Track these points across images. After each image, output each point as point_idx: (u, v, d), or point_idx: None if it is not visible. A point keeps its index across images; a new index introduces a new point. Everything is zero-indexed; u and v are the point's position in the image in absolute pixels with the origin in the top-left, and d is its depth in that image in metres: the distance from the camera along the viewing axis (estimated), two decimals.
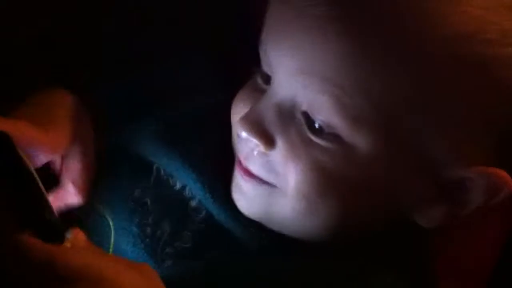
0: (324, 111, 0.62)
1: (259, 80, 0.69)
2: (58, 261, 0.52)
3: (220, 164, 0.70)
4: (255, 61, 0.73)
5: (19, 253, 0.52)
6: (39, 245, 0.53)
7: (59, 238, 0.56)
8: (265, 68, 0.68)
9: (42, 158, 0.66)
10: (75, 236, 0.58)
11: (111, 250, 0.69)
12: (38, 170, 0.63)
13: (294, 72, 0.63)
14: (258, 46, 0.68)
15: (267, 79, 0.68)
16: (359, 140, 0.62)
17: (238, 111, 0.68)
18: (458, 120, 0.62)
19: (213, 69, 0.79)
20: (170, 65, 0.78)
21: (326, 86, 0.62)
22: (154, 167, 0.73)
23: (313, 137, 0.63)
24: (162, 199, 0.71)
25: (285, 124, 0.65)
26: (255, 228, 0.68)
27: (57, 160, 0.70)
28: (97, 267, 0.53)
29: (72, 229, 0.58)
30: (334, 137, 0.63)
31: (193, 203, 0.71)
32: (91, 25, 0.79)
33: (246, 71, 0.76)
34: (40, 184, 0.58)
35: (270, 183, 0.66)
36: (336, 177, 0.63)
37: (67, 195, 0.70)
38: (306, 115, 0.64)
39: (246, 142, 0.66)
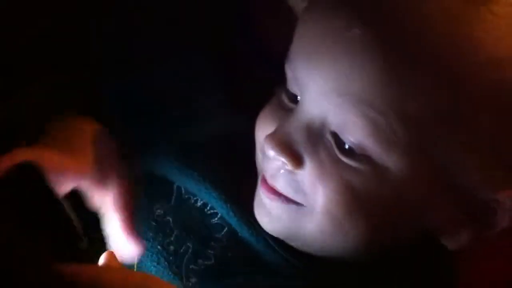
0: (356, 133, 0.62)
1: (284, 99, 0.69)
2: (104, 281, 0.53)
3: (240, 182, 0.71)
4: (254, 60, 0.75)
5: (65, 280, 0.52)
6: (82, 268, 0.53)
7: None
8: (292, 86, 0.68)
9: (69, 184, 0.66)
10: (109, 258, 0.59)
11: (135, 268, 0.69)
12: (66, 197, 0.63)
13: (326, 92, 0.63)
14: (284, 64, 0.68)
15: (294, 98, 0.68)
16: (391, 161, 0.63)
17: (264, 129, 0.68)
18: (491, 144, 0.63)
19: (213, 69, 0.79)
20: (170, 65, 0.78)
21: (360, 108, 0.62)
22: (175, 186, 0.74)
23: (342, 157, 0.64)
24: (184, 217, 0.72)
25: (314, 144, 0.65)
26: (279, 244, 0.69)
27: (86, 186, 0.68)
28: (145, 282, 0.54)
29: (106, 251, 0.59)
30: (365, 158, 0.63)
31: (215, 220, 0.72)
32: (91, 25, 0.78)
33: (246, 71, 0.77)
34: (71, 214, 0.59)
35: (296, 202, 0.66)
36: (365, 198, 0.64)
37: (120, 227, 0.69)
38: (335, 135, 0.64)
39: (272, 161, 0.66)
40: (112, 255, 0.60)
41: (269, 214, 0.68)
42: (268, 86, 0.72)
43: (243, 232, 0.70)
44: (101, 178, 0.67)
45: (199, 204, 0.73)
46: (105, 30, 0.78)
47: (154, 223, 0.72)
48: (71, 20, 0.78)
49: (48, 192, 0.60)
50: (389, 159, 0.63)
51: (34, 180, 0.59)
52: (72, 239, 0.58)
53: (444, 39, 0.61)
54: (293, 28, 0.73)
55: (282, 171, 0.66)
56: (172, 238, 0.71)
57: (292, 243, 0.69)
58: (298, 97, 0.67)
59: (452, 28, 0.61)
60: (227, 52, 0.80)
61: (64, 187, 0.65)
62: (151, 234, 0.71)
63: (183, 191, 0.73)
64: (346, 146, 0.63)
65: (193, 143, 0.74)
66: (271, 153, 0.66)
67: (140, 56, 0.78)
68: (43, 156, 0.63)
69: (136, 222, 0.70)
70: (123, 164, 0.69)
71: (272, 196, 0.67)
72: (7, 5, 0.75)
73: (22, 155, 0.61)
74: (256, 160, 0.70)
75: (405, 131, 0.62)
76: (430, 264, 0.69)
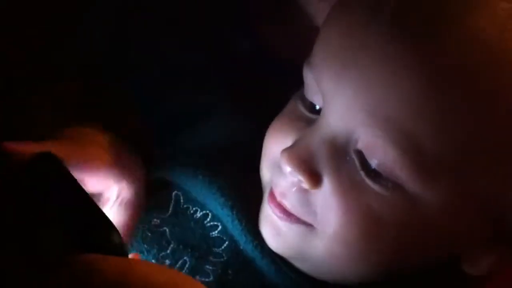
0: (385, 158, 0.57)
1: (302, 108, 0.64)
2: (134, 273, 0.51)
3: (247, 191, 0.66)
4: (256, 62, 0.73)
5: (93, 269, 0.50)
6: (111, 259, 0.51)
7: None
8: (312, 95, 0.62)
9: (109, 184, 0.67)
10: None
11: None
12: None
13: (354, 109, 0.58)
14: (302, 71, 0.63)
15: (312, 108, 0.63)
16: (422, 190, 0.57)
17: (278, 142, 0.63)
18: None
19: (214, 69, 0.76)
20: (170, 65, 0.76)
21: (391, 133, 0.56)
22: (173, 194, 0.69)
23: (367, 179, 0.58)
24: (181, 229, 0.67)
25: (336, 162, 0.59)
26: (283, 263, 0.64)
27: (111, 196, 0.68)
28: (174, 279, 0.52)
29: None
30: (392, 182, 0.58)
31: (214, 234, 0.67)
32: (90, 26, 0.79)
33: (248, 72, 0.74)
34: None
35: (305, 222, 0.61)
36: (386, 225, 0.58)
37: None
38: (361, 154, 0.58)
39: (286, 177, 0.61)
40: (137, 255, 0.60)
41: (276, 231, 0.63)
42: (272, 89, 0.69)
43: (247, 244, 0.65)
44: (116, 177, 0.67)
45: (198, 215, 0.68)
46: (105, 30, 0.78)
47: (149, 234, 0.67)
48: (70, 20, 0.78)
49: (73, 182, 0.58)
50: (421, 188, 0.57)
51: (56, 169, 0.58)
52: (104, 230, 0.55)
53: (495, 59, 0.56)
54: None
55: (294, 188, 0.61)
56: (168, 251, 0.66)
57: (298, 264, 0.64)
58: (317, 107, 0.62)
59: (502, 48, 0.56)
60: (228, 53, 0.77)
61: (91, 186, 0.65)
62: (145, 245, 0.67)
63: (181, 200, 0.69)
64: (372, 167, 0.58)
65: (197, 147, 0.70)
66: (288, 169, 0.60)
67: (140, 56, 0.76)
68: (60, 150, 0.62)
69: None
70: (136, 168, 0.69)
71: (280, 215, 0.62)
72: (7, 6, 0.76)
73: (39, 147, 0.60)
74: (261, 172, 0.66)
75: (442, 158, 0.56)
76: None
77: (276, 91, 0.68)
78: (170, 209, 0.69)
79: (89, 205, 0.56)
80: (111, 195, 0.67)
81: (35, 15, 0.77)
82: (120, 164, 0.67)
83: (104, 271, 0.50)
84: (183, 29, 0.76)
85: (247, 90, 0.74)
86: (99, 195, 0.67)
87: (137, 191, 0.68)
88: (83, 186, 0.60)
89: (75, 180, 0.58)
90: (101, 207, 0.64)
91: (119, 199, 0.68)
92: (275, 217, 0.62)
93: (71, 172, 0.59)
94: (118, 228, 0.57)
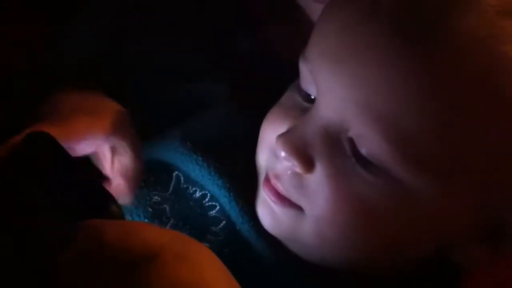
0: (375, 148, 0.59)
1: (298, 97, 0.66)
2: (136, 233, 0.52)
3: (246, 174, 0.68)
4: (256, 59, 0.74)
5: (93, 233, 0.51)
6: (110, 223, 0.52)
7: None
8: (307, 86, 0.65)
9: (98, 143, 0.67)
10: None
11: None
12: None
13: (346, 99, 0.60)
14: (299, 61, 0.65)
15: (308, 97, 0.65)
16: (410, 179, 0.59)
17: (274, 128, 0.65)
18: None
19: (213, 68, 0.78)
20: (170, 64, 0.78)
21: (379, 122, 0.58)
22: (174, 174, 0.71)
23: (358, 167, 0.60)
24: (181, 207, 0.70)
25: (329, 148, 0.61)
26: (277, 243, 0.66)
27: (105, 152, 0.68)
28: (176, 242, 0.53)
29: None
30: (383, 171, 0.59)
31: (212, 213, 0.69)
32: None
33: (247, 68, 0.76)
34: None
35: (296, 206, 0.63)
36: (374, 212, 0.60)
37: (117, 191, 0.68)
38: (352, 142, 0.60)
39: (281, 161, 0.64)
40: None
41: (271, 213, 0.65)
42: (271, 87, 0.70)
43: (243, 224, 0.67)
44: (103, 135, 0.67)
45: (197, 195, 0.70)
46: (105, 29, 0.79)
47: (150, 209, 0.70)
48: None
49: (66, 157, 0.58)
50: (408, 177, 0.59)
51: (46, 147, 0.58)
52: (102, 201, 0.56)
53: (484, 57, 0.57)
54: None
55: (288, 172, 0.63)
56: (167, 227, 0.69)
57: (290, 245, 0.66)
58: (312, 96, 0.65)
59: (490, 46, 0.57)
60: (228, 53, 0.79)
61: (82, 150, 0.66)
62: (146, 220, 0.69)
63: (182, 180, 0.71)
64: (363, 155, 0.60)
65: (198, 130, 0.72)
66: (282, 154, 0.62)
67: (139, 56, 0.78)
68: (66, 124, 0.64)
69: (130, 206, 0.70)
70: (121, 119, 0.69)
71: (274, 199, 0.64)
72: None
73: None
74: (257, 157, 0.68)
75: (434, 152, 0.58)
76: (438, 283, 0.66)
77: (275, 89, 0.70)
78: (171, 188, 0.71)
79: (86, 179, 0.57)
80: (105, 151, 0.68)
81: (31, 15, 0.79)
82: (104, 121, 0.68)
83: (105, 233, 0.51)
84: (183, 29, 0.78)
85: (246, 87, 0.76)
86: (95, 154, 0.68)
87: (130, 140, 0.69)
88: (75, 155, 0.63)
89: (70, 155, 0.59)
90: (100, 165, 0.67)
91: (115, 152, 0.68)
92: (269, 200, 0.65)
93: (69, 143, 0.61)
94: (124, 176, 0.60)
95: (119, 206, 0.56)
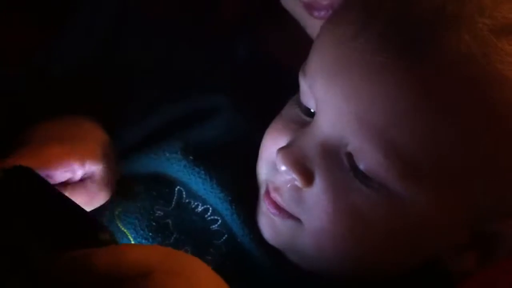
0: (373, 164, 0.60)
1: (298, 111, 0.67)
2: (124, 258, 0.51)
3: (246, 186, 0.69)
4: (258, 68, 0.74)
5: (81, 264, 0.50)
6: (99, 251, 0.51)
7: None
8: (307, 100, 0.65)
9: (77, 171, 0.68)
10: None
11: None
12: None
13: (344, 116, 0.61)
14: (298, 76, 0.66)
15: (308, 111, 0.66)
16: (406, 192, 0.60)
17: (275, 141, 0.66)
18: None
19: (213, 74, 0.78)
20: (170, 70, 0.78)
21: (376, 137, 0.59)
22: (176, 189, 0.72)
23: (355, 180, 0.61)
24: (184, 221, 0.70)
25: (328, 163, 0.63)
26: (279, 255, 0.68)
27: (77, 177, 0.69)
28: (167, 258, 0.52)
29: None
30: (380, 185, 0.61)
31: (214, 227, 0.70)
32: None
33: (247, 74, 0.77)
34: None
35: (296, 218, 0.65)
36: (372, 224, 0.62)
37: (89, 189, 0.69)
38: (350, 156, 0.62)
39: (281, 174, 0.64)
40: None
41: (271, 225, 0.66)
42: (272, 93, 0.71)
43: (245, 237, 0.69)
44: (77, 160, 0.68)
45: (199, 209, 0.71)
46: (100, 35, 0.79)
47: (154, 223, 0.70)
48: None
49: (48, 189, 0.58)
50: (404, 191, 0.60)
51: (27, 181, 0.58)
52: (90, 230, 0.55)
53: (478, 76, 0.59)
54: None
55: (288, 185, 0.64)
56: (171, 240, 0.69)
57: (290, 256, 0.67)
58: (312, 110, 0.65)
59: (490, 69, 0.59)
60: (229, 60, 0.80)
61: (60, 177, 0.66)
62: (150, 233, 0.70)
63: (184, 195, 0.72)
64: (361, 169, 0.61)
65: (199, 142, 0.73)
66: (283, 168, 0.64)
67: (137, 60, 0.79)
68: (41, 153, 0.65)
69: (134, 221, 0.70)
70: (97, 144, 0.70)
71: (274, 211, 0.65)
72: None
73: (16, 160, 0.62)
74: (258, 170, 0.69)
75: (427, 165, 0.59)
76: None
77: (276, 98, 0.70)
78: (173, 203, 0.71)
79: (72, 208, 0.57)
80: (77, 175, 0.68)
81: (25, 18, 0.79)
82: (80, 148, 0.69)
83: (92, 262, 0.50)
84: (182, 35, 0.79)
85: (246, 96, 0.77)
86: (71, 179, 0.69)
87: (104, 164, 0.70)
88: (54, 182, 0.63)
89: (52, 186, 0.59)
90: (72, 190, 0.67)
91: (87, 176, 0.69)
92: (268, 212, 0.66)
93: (55, 169, 0.63)
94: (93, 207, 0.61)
95: (109, 232, 0.55)
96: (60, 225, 0.55)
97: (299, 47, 0.70)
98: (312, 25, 0.72)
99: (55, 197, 0.57)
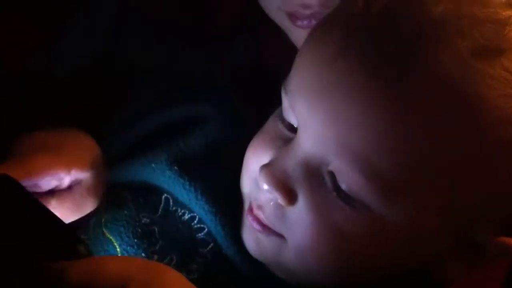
0: (354, 185, 0.60)
1: (280, 126, 0.66)
2: (100, 271, 0.51)
3: (232, 198, 0.69)
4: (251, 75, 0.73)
5: (55, 277, 0.51)
6: (76, 263, 0.52)
7: None
8: (290, 117, 0.65)
9: (63, 179, 0.68)
10: None
11: None
12: None
13: (324, 138, 0.60)
14: (281, 90, 0.65)
15: (291, 127, 0.65)
16: (386, 211, 0.60)
17: (258, 158, 0.66)
18: (496, 196, 0.61)
19: (207, 79, 0.78)
20: (164, 75, 0.78)
21: (355, 160, 0.59)
22: (163, 197, 0.72)
23: (338, 200, 0.61)
24: (170, 229, 0.70)
25: (310, 182, 0.62)
26: (262, 268, 0.67)
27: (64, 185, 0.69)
28: (144, 270, 0.52)
29: None
30: (360, 204, 0.60)
31: (200, 235, 0.70)
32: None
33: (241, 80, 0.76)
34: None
35: (279, 234, 0.64)
36: (355, 242, 0.61)
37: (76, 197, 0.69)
38: (333, 176, 0.61)
39: (264, 192, 0.64)
40: None
41: (255, 240, 0.66)
42: (273, 91, 0.70)
43: (229, 249, 0.69)
44: (63, 169, 0.68)
45: (186, 217, 0.71)
46: (100, 36, 0.79)
47: (140, 230, 0.70)
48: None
49: (28, 200, 0.58)
50: (385, 209, 0.60)
51: (9, 190, 0.58)
52: (68, 242, 0.55)
53: (457, 97, 0.58)
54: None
55: (271, 203, 0.64)
56: (157, 248, 0.69)
57: (275, 270, 0.67)
58: (295, 125, 0.65)
59: (464, 87, 0.58)
60: (224, 65, 0.79)
61: (46, 186, 0.66)
62: (136, 240, 0.70)
63: (171, 203, 0.72)
64: (343, 189, 0.61)
65: (184, 152, 0.73)
66: (265, 186, 0.63)
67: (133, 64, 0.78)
68: (27, 162, 0.65)
69: (120, 228, 0.70)
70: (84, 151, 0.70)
71: (257, 227, 0.65)
72: None
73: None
74: (241, 185, 0.68)
75: (409, 185, 0.59)
76: None
77: (274, 97, 0.69)
78: (160, 210, 0.72)
79: (51, 220, 0.57)
80: (63, 183, 0.69)
81: (25, 18, 0.79)
82: (65, 156, 0.69)
83: (68, 275, 0.51)
84: (182, 35, 0.79)
85: (246, 94, 0.76)
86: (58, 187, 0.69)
87: (91, 172, 0.70)
88: (41, 190, 0.64)
89: (32, 197, 0.59)
90: (59, 197, 0.68)
91: (75, 184, 0.70)
92: (252, 228, 0.66)
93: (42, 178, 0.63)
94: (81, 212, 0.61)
95: (86, 245, 0.56)
96: (38, 236, 0.55)
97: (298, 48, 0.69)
98: (296, 34, 0.72)
99: (35, 208, 0.57)
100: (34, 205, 0.58)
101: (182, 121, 0.75)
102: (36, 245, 0.54)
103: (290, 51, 0.70)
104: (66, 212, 0.68)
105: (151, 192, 0.72)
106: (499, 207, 0.62)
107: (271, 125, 0.68)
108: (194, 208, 0.70)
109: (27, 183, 0.64)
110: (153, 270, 0.53)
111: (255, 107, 0.73)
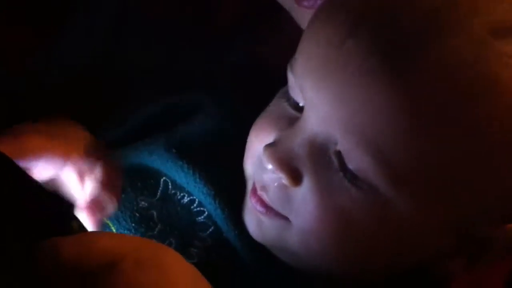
0: (362, 166, 0.58)
1: (286, 105, 0.65)
2: (95, 246, 0.49)
3: (232, 181, 0.68)
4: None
5: (48, 252, 0.48)
6: (69, 238, 0.49)
7: None
8: (296, 95, 0.63)
9: (61, 167, 0.66)
10: None
11: None
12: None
13: (332, 117, 0.59)
14: (287, 68, 0.64)
15: (297, 105, 0.64)
16: (394, 195, 0.59)
17: (262, 138, 0.64)
18: (504, 191, 0.60)
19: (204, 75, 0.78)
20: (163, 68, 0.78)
21: (363, 140, 0.58)
22: (162, 180, 0.71)
23: (344, 181, 0.60)
24: (169, 212, 0.69)
25: (316, 162, 0.61)
26: (263, 252, 0.66)
27: (69, 176, 0.68)
28: (138, 248, 0.50)
29: None
30: (369, 187, 0.59)
31: (200, 219, 0.69)
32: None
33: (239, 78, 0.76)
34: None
35: (283, 216, 0.63)
36: (359, 226, 0.60)
37: (103, 203, 0.67)
38: (340, 156, 0.60)
39: (268, 173, 0.63)
40: None
41: (257, 223, 0.65)
42: (272, 91, 0.69)
43: (229, 232, 0.67)
44: (63, 158, 0.66)
45: (185, 200, 0.70)
46: (100, 36, 0.79)
47: (137, 214, 0.69)
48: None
49: (21, 175, 0.56)
50: (393, 193, 0.59)
51: (5, 165, 0.56)
52: (61, 218, 0.54)
53: (471, 79, 0.57)
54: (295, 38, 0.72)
55: (275, 184, 0.62)
56: (155, 232, 0.68)
57: (277, 254, 0.66)
58: (301, 104, 0.63)
59: (478, 67, 0.57)
60: (221, 65, 0.79)
61: (39, 174, 0.65)
62: (133, 224, 0.69)
63: (170, 186, 0.71)
64: (351, 170, 0.59)
65: (183, 136, 0.72)
66: (269, 166, 0.62)
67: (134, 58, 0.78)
68: (23, 142, 0.64)
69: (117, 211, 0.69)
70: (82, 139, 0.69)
71: (260, 209, 0.64)
72: None
73: None
74: (244, 166, 0.67)
75: (418, 171, 0.58)
76: None
77: (263, 94, 0.70)
78: (158, 194, 0.70)
79: (44, 195, 0.55)
80: (69, 175, 0.67)
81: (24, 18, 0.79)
82: (64, 143, 0.67)
83: (61, 251, 0.48)
84: (182, 35, 0.78)
85: (246, 94, 0.76)
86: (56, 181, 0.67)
87: (94, 159, 0.69)
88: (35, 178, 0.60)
89: (26, 173, 0.57)
90: (64, 189, 0.66)
91: (85, 173, 0.68)
92: (255, 210, 0.64)
93: (35, 162, 0.61)
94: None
95: (79, 222, 0.54)
96: (32, 212, 0.53)
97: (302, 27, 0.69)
98: (301, 15, 0.72)
99: (26, 183, 0.56)
100: (26, 180, 0.56)
101: (179, 110, 0.74)
102: (27, 221, 0.52)
103: (290, 51, 0.69)
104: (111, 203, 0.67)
105: (149, 176, 0.71)
106: (501, 204, 0.61)
107: (276, 105, 0.66)
108: (193, 191, 0.69)
109: (20, 164, 0.60)
110: (149, 248, 0.51)
111: (255, 107, 0.71)
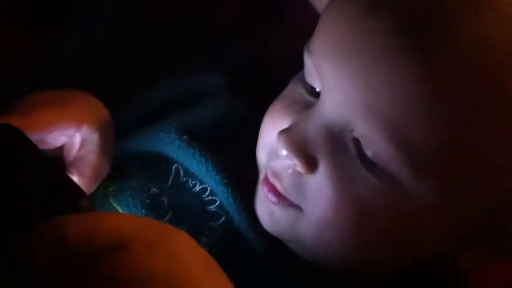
0: (381, 153, 0.56)
1: (301, 90, 0.63)
2: (103, 225, 0.47)
3: (244, 170, 0.67)
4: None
5: (55, 231, 0.47)
6: (76, 217, 0.48)
7: None
8: (312, 79, 0.61)
9: (73, 136, 0.66)
10: None
11: None
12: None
13: (352, 100, 0.57)
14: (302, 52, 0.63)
15: (313, 90, 0.62)
16: (415, 184, 0.57)
17: (276, 124, 0.63)
18: None
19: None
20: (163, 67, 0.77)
21: (384, 125, 0.56)
22: (173, 167, 0.70)
23: (362, 169, 0.58)
24: (180, 200, 0.68)
25: (333, 148, 0.59)
26: (276, 243, 0.65)
27: (74, 143, 0.68)
28: (147, 228, 0.48)
29: None
30: (388, 175, 0.57)
31: (212, 208, 0.68)
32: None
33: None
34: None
35: (295, 206, 0.61)
36: (376, 215, 0.58)
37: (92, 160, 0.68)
38: (357, 142, 0.58)
39: (282, 159, 0.61)
40: None
41: (269, 213, 0.63)
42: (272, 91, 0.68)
43: (241, 222, 0.66)
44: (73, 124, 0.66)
45: (197, 188, 0.68)
46: (100, 35, 0.79)
47: (148, 201, 0.68)
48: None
49: (32, 151, 0.56)
50: (413, 182, 0.57)
51: (11, 140, 0.55)
52: (70, 196, 0.53)
53: (496, 56, 0.55)
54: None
55: (289, 171, 0.61)
56: (165, 219, 0.67)
57: (290, 245, 0.65)
58: (317, 89, 0.62)
59: (504, 44, 0.55)
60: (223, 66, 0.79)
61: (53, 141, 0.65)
62: (144, 211, 0.67)
63: (181, 173, 0.69)
64: (368, 157, 0.58)
65: (194, 123, 0.71)
66: (284, 152, 0.60)
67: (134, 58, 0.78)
68: (36, 114, 0.63)
69: (127, 198, 0.68)
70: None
71: (273, 199, 0.62)
72: None
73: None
74: (257, 153, 0.66)
75: (442, 158, 0.56)
76: (438, 283, 0.65)
77: (266, 103, 0.68)
78: (170, 180, 0.69)
79: (52, 173, 0.55)
80: (75, 141, 0.67)
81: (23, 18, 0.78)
82: (76, 111, 0.67)
83: (68, 230, 0.47)
84: (182, 35, 0.78)
85: (243, 79, 0.75)
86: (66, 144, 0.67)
87: (102, 136, 0.68)
88: (48, 146, 0.62)
89: (37, 148, 0.56)
90: (70, 154, 0.66)
91: (84, 145, 0.68)
92: (268, 200, 0.63)
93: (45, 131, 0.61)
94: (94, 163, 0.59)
95: (89, 200, 0.53)
96: (40, 189, 0.52)
97: (298, 48, 0.67)
98: None
99: (37, 160, 0.55)
100: (37, 156, 0.55)
101: (191, 94, 0.73)
102: (36, 198, 0.51)
103: (290, 51, 0.69)
104: (85, 182, 0.66)
105: (161, 162, 0.70)
106: None
107: (291, 90, 0.65)
108: (205, 179, 0.68)
109: (32, 137, 0.59)
110: (159, 230, 0.49)
111: (255, 107, 0.71)
